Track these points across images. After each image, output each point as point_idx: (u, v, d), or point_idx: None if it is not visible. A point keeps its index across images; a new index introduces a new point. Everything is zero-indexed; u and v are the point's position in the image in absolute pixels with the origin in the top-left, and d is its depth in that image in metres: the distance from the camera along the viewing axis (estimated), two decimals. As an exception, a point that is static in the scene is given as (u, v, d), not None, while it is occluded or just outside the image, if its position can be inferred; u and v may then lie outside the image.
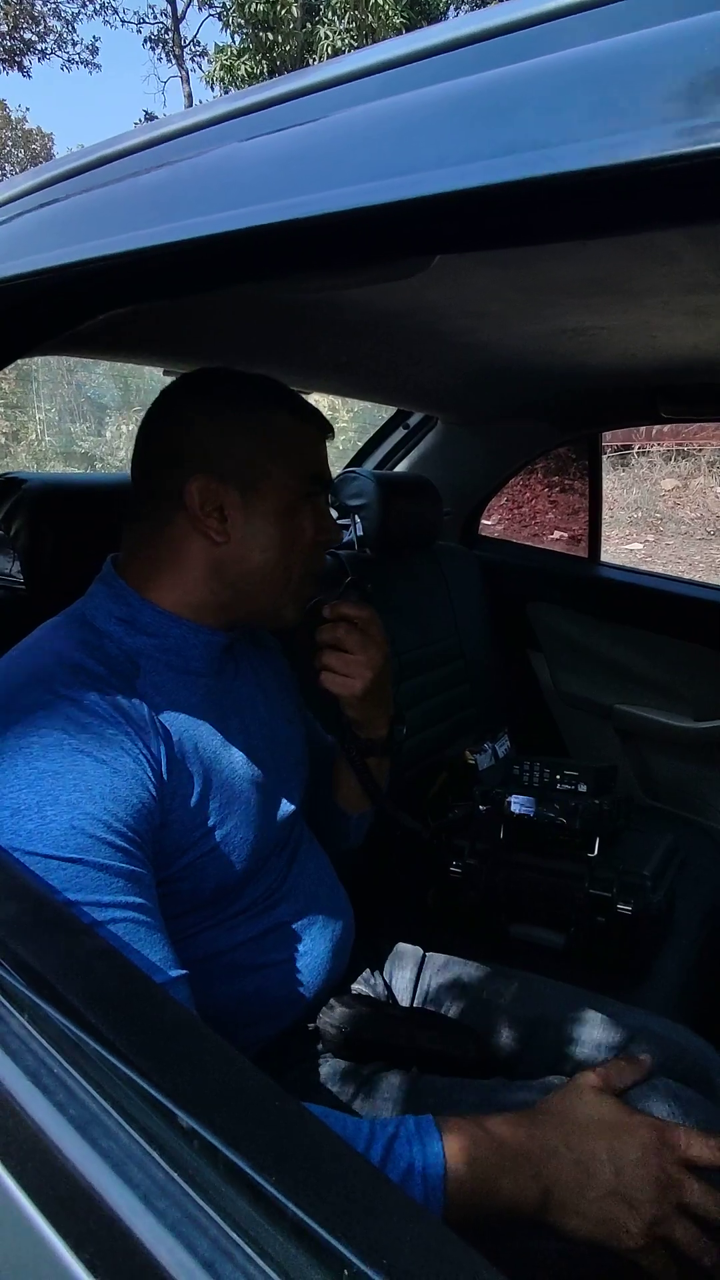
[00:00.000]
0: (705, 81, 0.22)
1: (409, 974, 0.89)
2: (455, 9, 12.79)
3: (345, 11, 11.13)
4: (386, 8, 10.63)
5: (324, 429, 0.75)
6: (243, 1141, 0.27)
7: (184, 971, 0.59)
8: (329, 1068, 0.74)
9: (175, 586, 0.70)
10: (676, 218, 0.28)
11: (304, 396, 0.75)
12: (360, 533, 1.47)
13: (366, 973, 0.87)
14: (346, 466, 1.71)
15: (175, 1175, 0.27)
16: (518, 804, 1.16)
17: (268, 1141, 0.28)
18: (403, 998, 0.87)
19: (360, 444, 1.84)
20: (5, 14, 14.17)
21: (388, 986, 0.87)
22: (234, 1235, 0.25)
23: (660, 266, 0.74)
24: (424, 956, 0.91)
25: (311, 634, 0.80)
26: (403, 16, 11.08)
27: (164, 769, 0.63)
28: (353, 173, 0.29)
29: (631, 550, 6.64)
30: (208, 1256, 0.24)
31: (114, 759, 0.59)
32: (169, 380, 0.75)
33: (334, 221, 0.29)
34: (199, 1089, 0.29)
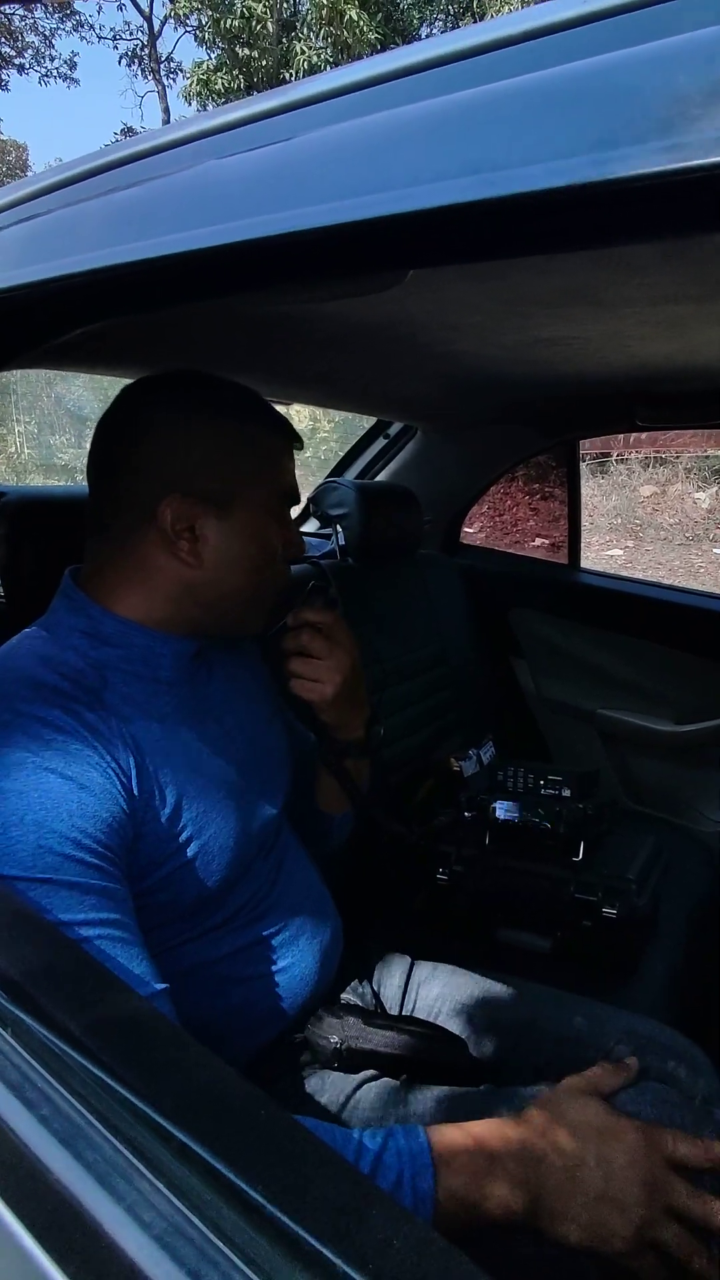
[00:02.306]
0: (660, 107, 0.23)
1: (397, 982, 0.89)
2: (429, 26, 12.98)
3: (321, 28, 11.24)
4: (362, 24, 10.76)
5: (295, 440, 0.74)
6: (228, 1151, 0.27)
7: (165, 985, 0.58)
8: (318, 1079, 0.74)
9: (141, 600, 0.68)
10: (638, 235, 0.29)
11: (281, 407, 0.75)
12: (342, 542, 1.48)
13: (355, 982, 0.86)
14: (328, 476, 1.72)
15: (161, 1186, 0.27)
16: (503, 809, 1.16)
17: (254, 1150, 0.28)
18: (391, 1006, 0.87)
19: (342, 453, 1.85)
20: (-18, 29, 14.19)
21: (376, 995, 0.87)
22: (220, 1244, 0.25)
23: (631, 279, 0.75)
24: (412, 964, 0.91)
25: (278, 644, 0.80)
26: (377, 32, 11.22)
27: (134, 782, 0.62)
28: (327, 191, 0.30)
29: (612, 556, 6.70)
30: (194, 1266, 0.24)
31: (81, 775, 0.58)
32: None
33: (308, 239, 0.30)
34: (184, 1100, 0.29)
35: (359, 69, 0.36)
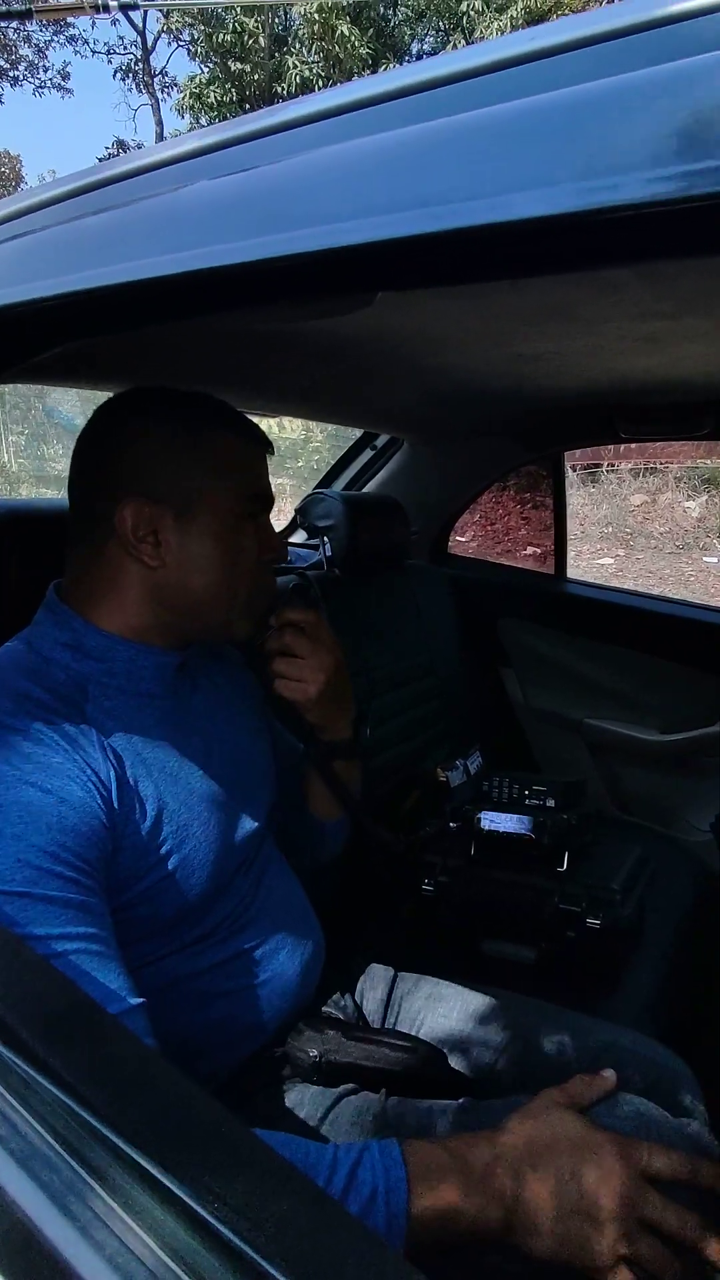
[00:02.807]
0: (604, 144, 0.23)
1: (380, 994, 0.88)
2: (419, 42, 13.12)
3: (312, 42, 11.35)
4: (353, 39, 10.87)
5: (264, 445, 0.74)
6: (185, 1171, 0.27)
7: (141, 1000, 0.58)
8: (297, 1092, 0.73)
9: (117, 610, 0.68)
10: (600, 263, 0.30)
11: (271, 418, 0.76)
12: (330, 553, 1.48)
13: (337, 994, 0.86)
14: (315, 487, 1.73)
15: (116, 1206, 0.27)
16: (488, 820, 1.16)
17: (212, 1170, 0.28)
18: (374, 1019, 0.87)
19: (335, 462, 1.86)
20: (-25, 42, 14.27)
21: (358, 1008, 0.87)
22: (172, 1265, 0.25)
23: (608, 297, 0.76)
24: (395, 976, 0.90)
25: (260, 646, 0.80)
26: (368, 48, 11.34)
27: (114, 796, 0.62)
28: (302, 217, 0.31)
29: (603, 565, 6.74)
30: (146, 1288, 0.24)
31: (60, 788, 0.58)
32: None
33: (283, 264, 0.30)
34: (144, 1120, 0.29)
35: (347, 91, 0.37)
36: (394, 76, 0.34)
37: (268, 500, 0.75)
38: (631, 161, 0.23)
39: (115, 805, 0.62)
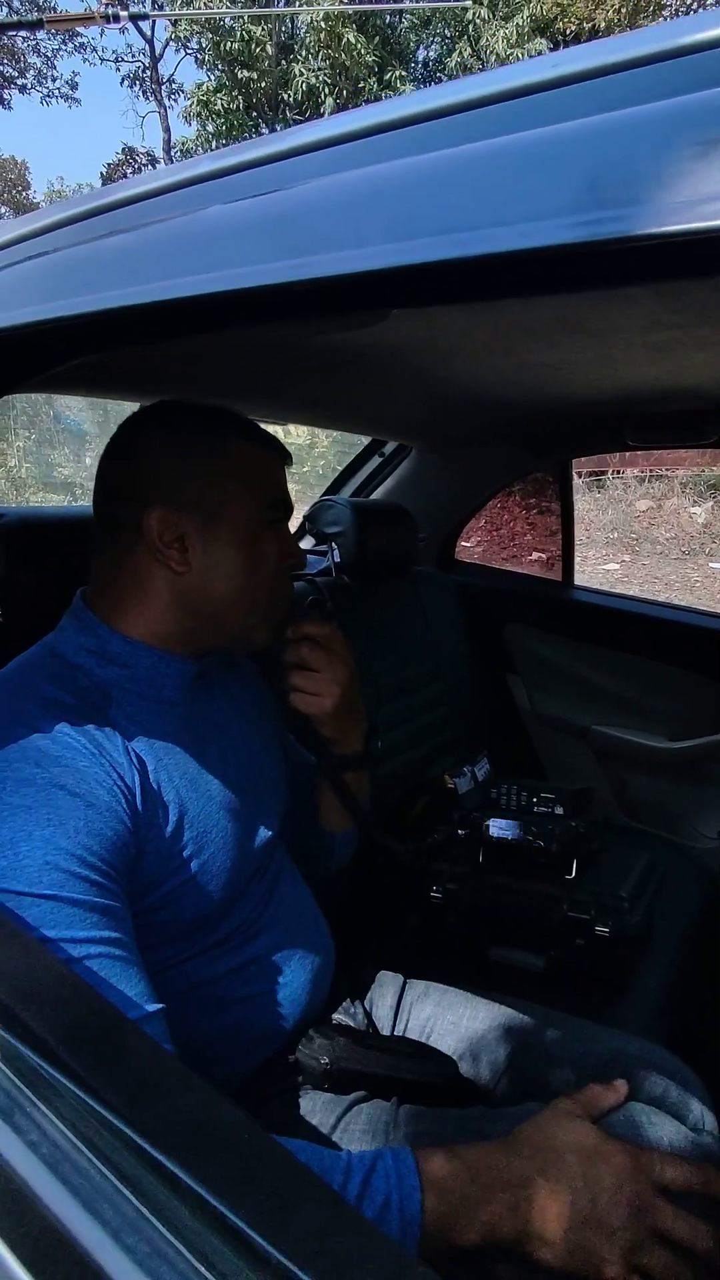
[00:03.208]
0: (633, 172, 0.24)
1: (390, 1002, 0.89)
2: (425, 49, 13.19)
3: (319, 50, 11.42)
4: (359, 46, 10.93)
5: (282, 455, 0.76)
6: (211, 1176, 0.28)
7: (160, 1006, 0.59)
8: (309, 1100, 0.74)
9: (142, 617, 0.70)
10: (613, 284, 0.31)
11: (273, 426, 0.77)
12: (337, 559, 1.49)
13: (347, 1002, 0.86)
14: (323, 494, 1.74)
15: (144, 1210, 0.27)
16: (496, 827, 1.17)
17: (237, 1175, 0.28)
18: (383, 1026, 0.87)
19: (339, 468, 1.87)
20: (-15, 51, 14.39)
21: (368, 1015, 0.87)
22: (202, 1269, 0.25)
23: (619, 308, 0.77)
24: (405, 984, 0.91)
25: (277, 657, 0.81)
26: (375, 55, 11.40)
27: (139, 800, 0.63)
28: (317, 243, 0.31)
29: (608, 570, 6.73)
30: (176, 1291, 0.25)
31: (88, 792, 0.59)
32: (144, 410, 0.75)
33: (301, 289, 0.31)
34: (168, 1124, 0.30)
35: (353, 119, 0.38)
36: (396, 105, 0.35)
37: (287, 507, 0.76)
38: (637, 195, 0.23)
39: (140, 809, 0.63)
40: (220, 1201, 0.26)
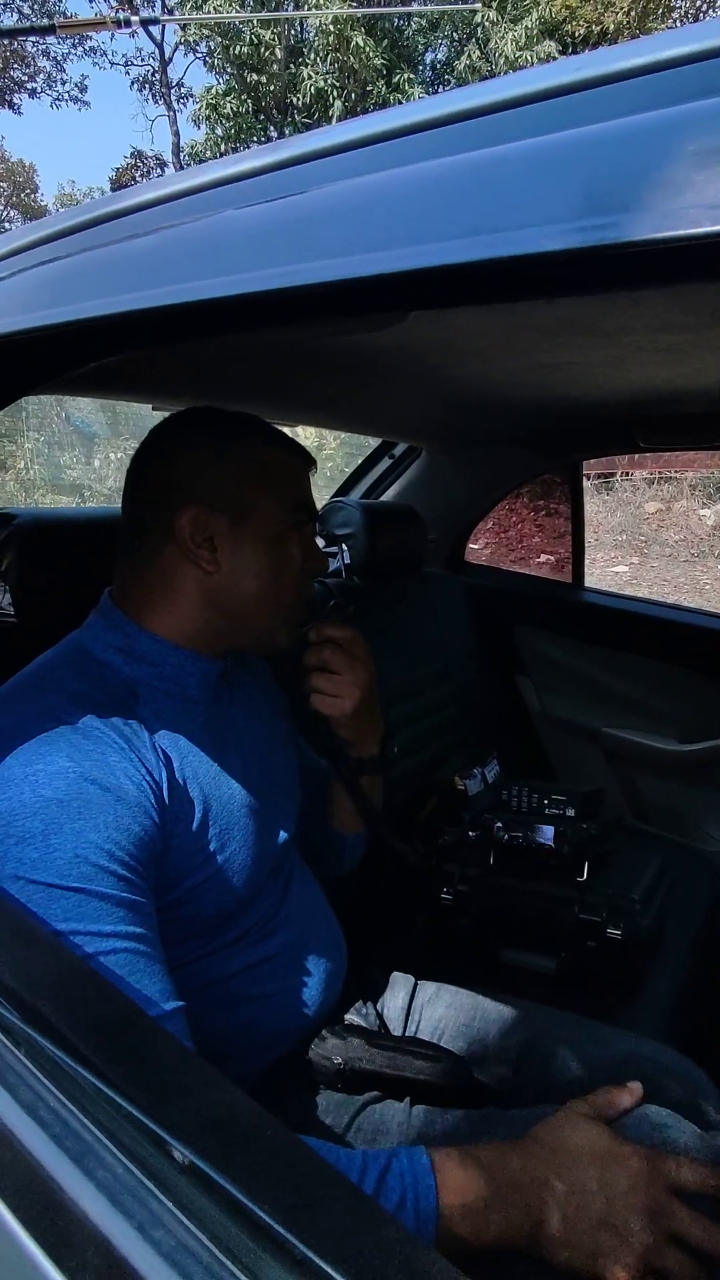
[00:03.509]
0: (654, 176, 0.24)
1: (401, 1002, 0.89)
2: (433, 51, 13.20)
3: (328, 53, 11.45)
4: (367, 50, 10.95)
5: (307, 461, 0.77)
6: (235, 1170, 0.28)
7: (181, 1004, 0.59)
8: (322, 1100, 0.74)
9: (170, 615, 0.71)
10: (634, 286, 0.31)
11: (286, 427, 0.78)
12: (348, 561, 1.49)
13: (359, 1002, 0.87)
14: (333, 496, 1.74)
15: (170, 1204, 0.27)
16: (541, 836, 1.16)
17: (260, 1169, 0.28)
18: (395, 1026, 0.87)
19: (347, 469, 1.87)
20: (-4, 56, 14.50)
21: (380, 1015, 0.87)
22: (227, 1262, 0.25)
23: (630, 310, 0.77)
24: (416, 985, 0.91)
25: (299, 659, 0.82)
26: (383, 58, 11.42)
27: (166, 795, 0.64)
28: (336, 246, 0.32)
29: (617, 573, 6.71)
30: (202, 1283, 0.25)
31: (118, 787, 0.60)
32: (159, 413, 0.77)
33: (317, 291, 0.31)
34: (192, 1119, 0.30)
35: (365, 124, 0.38)
36: (404, 113, 0.35)
37: (312, 511, 0.77)
38: (642, 200, 0.24)
39: (167, 805, 0.64)
40: (245, 1195, 0.27)
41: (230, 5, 10.38)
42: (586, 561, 1.91)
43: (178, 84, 15.69)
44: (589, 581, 1.96)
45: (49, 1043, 0.34)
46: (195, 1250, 0.26)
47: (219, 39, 11.71)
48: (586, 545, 1.94)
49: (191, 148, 13.23)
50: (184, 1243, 0.26)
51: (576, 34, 11.07)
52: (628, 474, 7.69)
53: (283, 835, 0.79)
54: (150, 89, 15.68)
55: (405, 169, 0.32)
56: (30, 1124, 0.31)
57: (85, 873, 0.56)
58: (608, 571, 6.67)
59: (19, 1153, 0.31)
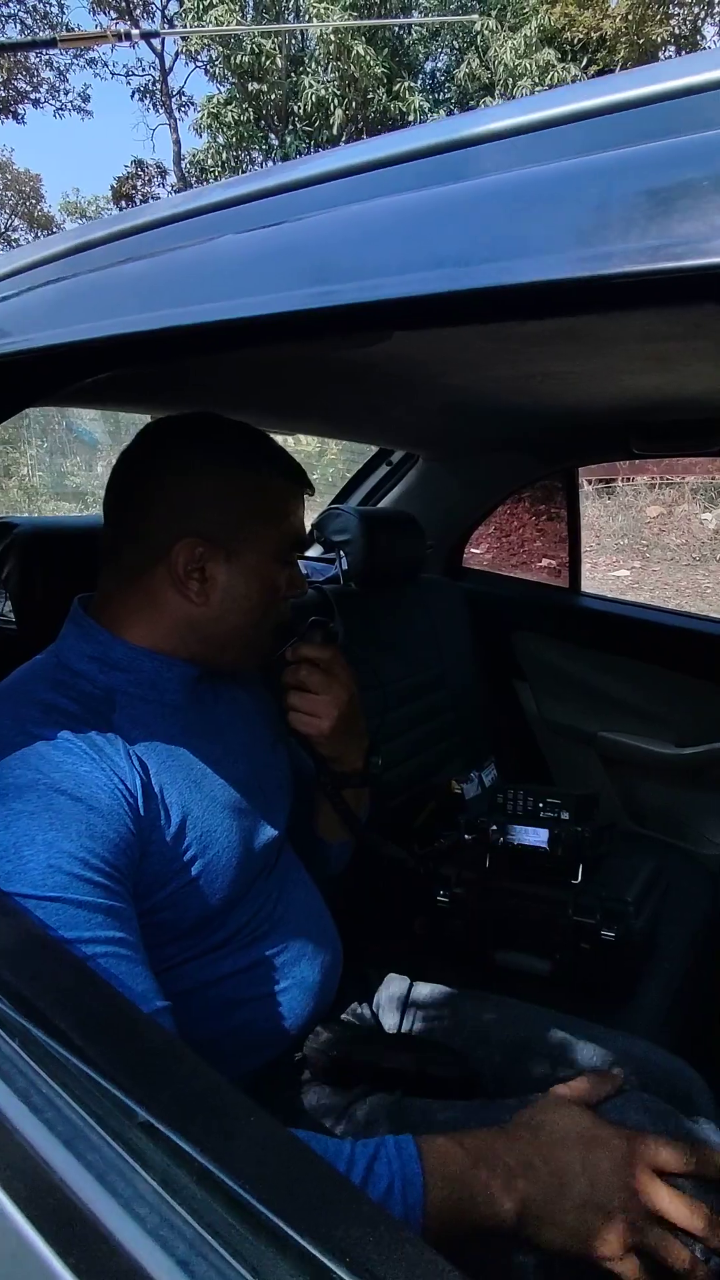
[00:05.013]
0: (630, 211, 0.26)
1: (396, 1003, 0.90)
2: (433, 60, 13.29)
3: (328, 62, 11.53)
4: (368, 59, 11.03)
5: (308, 488, 0.77)
6: (218, 1151, 0.29)
7: (167, 1003, 0.60)
8: (314, 1094, 0.75)
9: (148, 629, 0.71)
10: (611, 311, 0.32)
11: (280, 436, 0.78)
12: (345, 567, 1.51)
13: (354, 1003, 0.88)
14: (331, 502, 1.76)
15: (154, 1184, 0.29)
16: (535, 837, 1.17)
17: (242, 1151, 0.30)
18: (389, 1027, 0.88)
19: (349, 475, 1.89)
20: (0, 66, 14.61)
21: (375, 1016, 0.88)
22: (209, 1238, 0.27)
23: (618, 320, 0.79)
24: (411, 985, 0.92)
25: (277, 677, 0.82)
26: (384, 67, 11.50)
27: (140, 803, 0.64)
28: (327, 274, 0.33)
29: (619, 577, 6.72)
30: (185, 1258, 0.26)
31: (90, 796, 0.60)
32: (157, 420, 0.76)
33: (304, 315, 0.33)
34: (177, 1104, 0.32)
35: (360, 150, 0.40)
36: (387, 143, 0.37)
37: (304, 544, 0.78)
38: (626, 234, 0.25)
39: (142, 812, 0.64)
40: (226, 1175, 0.28)
41: (231, 16, 10.46)
42: (589, 566, 1.92)
43: (178, 93, 15.81)
44: (591, 586, 1.97)
45: (41, 1032, 0.36)
46: (179, 1227, 0.27)
47: (220, 48, 11.80)
48: (588, 550, 1.95)
49: (193, 156, 13.32)
50: (168, 1219, 0.27)
51: (575, 40, 11.13)
52: (629, 478, 7.70)
53: (273, 834, 0.78)
54: (151, 98, 15.80)
55: (393, 199, 0.34)
56: (23, 1109, 0.33)
57: (60, 882, 0.56)
58: (610, 575, 6.67)
59: (13, 1136, 0.32)
